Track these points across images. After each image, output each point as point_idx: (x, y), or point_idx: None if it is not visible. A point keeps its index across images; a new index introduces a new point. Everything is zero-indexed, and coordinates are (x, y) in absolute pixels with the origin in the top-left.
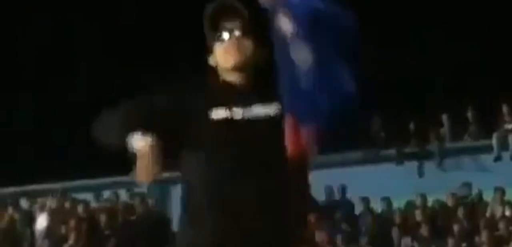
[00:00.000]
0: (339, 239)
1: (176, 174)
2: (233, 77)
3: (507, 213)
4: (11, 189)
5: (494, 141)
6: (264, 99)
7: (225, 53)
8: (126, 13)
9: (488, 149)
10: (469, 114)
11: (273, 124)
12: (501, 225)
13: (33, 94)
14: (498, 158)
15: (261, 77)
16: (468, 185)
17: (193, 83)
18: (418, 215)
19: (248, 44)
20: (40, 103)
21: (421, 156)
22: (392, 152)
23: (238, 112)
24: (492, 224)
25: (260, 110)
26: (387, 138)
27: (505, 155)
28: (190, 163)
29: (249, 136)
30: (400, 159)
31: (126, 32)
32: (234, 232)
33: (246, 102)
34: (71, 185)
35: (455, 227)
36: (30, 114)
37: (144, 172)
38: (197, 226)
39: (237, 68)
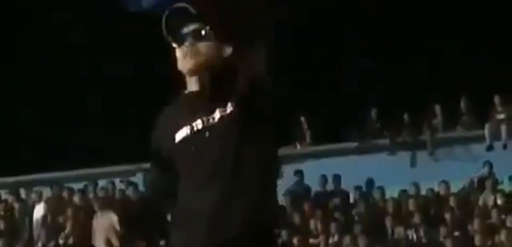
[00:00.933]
0: (333, 227)
1: None
2: (192, 83)
3: (499, 201)
4: (9, 179)
5: (486, 131)
6: (221, 102)
7: (181, 60)
8: None
9: (481, 139)
10: (462, 105)
11: (230, 124)
12: (494, 214)
13: (32, 85)
14: (490, 148)
15: (219, 78)
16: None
17: (164, 111)
18: (411, 204)
19: (202, 48)
20: (38, 96)
21: (414, 146)
22: (385, 142)
23: (198, 124)
24: (484, 213)
25: (218, 115)
26: (380, 128)
27: (497, 145)
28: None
29: (210, 143)
30: (393, 149)
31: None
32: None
33: (206, 110)
34: (68, 174)
35: (448, 216)
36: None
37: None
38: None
39: (193, 72)
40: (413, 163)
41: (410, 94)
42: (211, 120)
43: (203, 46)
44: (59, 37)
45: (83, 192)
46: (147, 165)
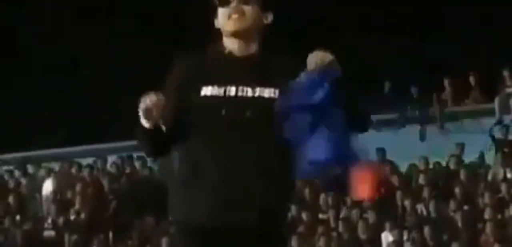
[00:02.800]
0: (342, 202)
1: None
2: (234, 44)
3: (509, 175)
4: (17, 155)
5: (495, 105)
6: (263, 80)
7: (225, 20)
8: None
9: (490, 113)
10: (471, 79)
11: (266, 107)
12: (503, 188)
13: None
14: (499, 122)
15: (265, 52)
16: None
17: (189, 57)
18: (421, 178)
19: (250, 11)
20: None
21: (423, 120)
22: (395, 116)
23: (232, 90)
24: (494, 187)
25: (257, 91)
26: (390, 103)
27: (507, 118)
28: (182, 136)
29: (242, 115)
30: (402, 123)
31: None
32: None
33: (245, 80)
34: (76, 150)
35: (457, 190)
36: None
37: (147, 112)
38: (187, 198)
39: (237, 35)
40: (422, 137)
41: (419, 69)
42: (249, 92)
43: (248, 9)
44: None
45: (92, 167)
46: None
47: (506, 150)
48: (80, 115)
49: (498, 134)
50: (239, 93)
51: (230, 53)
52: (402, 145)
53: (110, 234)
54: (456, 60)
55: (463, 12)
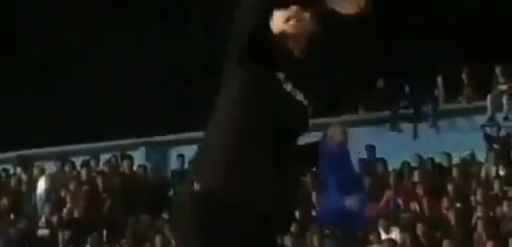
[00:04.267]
0: None
1: (173, 137)
2: (296, 48)
3: (501, 172)
4: (11, 154)
5: (488, 102)
6: (303, 86)
7: (283, 23)
8: None
9: (482, 110)
10: (464, 77)
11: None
12: (496, 185)
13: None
14: (491, 119)
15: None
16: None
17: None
18: (413, 176)
19: (307, 16)
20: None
21: (416, 118)
22: (387, 114)
23: (300, 96)
24: (486, 184)
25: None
26: (383, 100)
27: (499, 116)
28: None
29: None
30: (395, 121)
31: None
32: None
33: (302, 87)
34: (70, 149)
35: (450, 187)
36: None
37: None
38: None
39: (297, 39)
40: (415, 135)
41: (412, 67)
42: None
43: (307, 14)
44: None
45: (86, 165)
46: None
47: (498, 147)
48: (75, 114)
49: (490, 132)
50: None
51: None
52: (395, 142)
53: (104, 233)
54: (449, 58)
55: (456, 9)
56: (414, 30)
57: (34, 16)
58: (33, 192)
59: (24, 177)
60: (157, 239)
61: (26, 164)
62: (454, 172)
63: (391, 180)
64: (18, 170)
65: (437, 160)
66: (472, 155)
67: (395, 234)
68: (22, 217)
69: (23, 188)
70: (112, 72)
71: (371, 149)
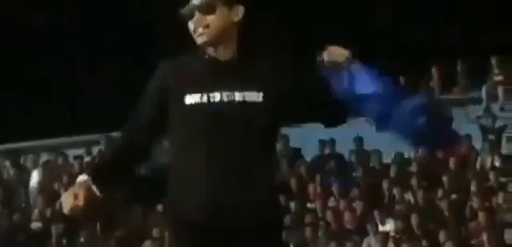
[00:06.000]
0: (330, 192)
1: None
2: (213, 52)
3: (496, 163)
4: (4, 147)
5: (483, 93)
6: (246, 84)
7: (193, 32)
8: None
9: (478, 101)
10: (458, 68)
11: (251, 108)
12: (491, 176)
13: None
14: (487, 110)
15: (249, 53)
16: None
17: (173, 62)
18: (409, 167)
19: (214, 19)
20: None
21: None
22: None
23: (216, 96)
24: (482, 175)
25: (238, 95)
26: None
27: (494, 107)
28: (170, 144)
29: (223, 121)
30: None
31: None
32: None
33: (226, 84)
34: (63, 141)
35: (445, 178)
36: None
37: (65, 202)
38: (179, 203)
39: (208, 45)
40: None
41: (407, 57)
42: (230, 97)
43: (212, 18)
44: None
45: (79, 158)
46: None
47: (493, 138)
48: (69, 107)
49: (485, 122)
50: (224, 99)
51: (212, 58)
52: (390, 133)
53: (98, 225)
54: (443, 48)
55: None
56: (409, 20)
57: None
58: (24, 185)
59: (12, 171)
60: (152, 232)
61: (15, 157)
62: (450, 163)
63: (387, 170)
64: (7, 163)
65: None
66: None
67: (389, 225)
68: (15, 210)
69: (11, 182)
70: (106, 62)
71: (358, 140)
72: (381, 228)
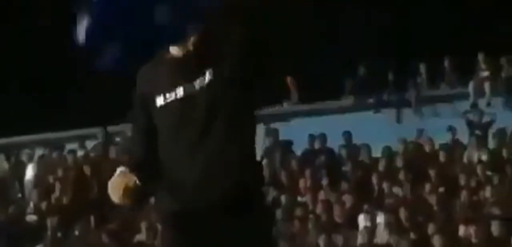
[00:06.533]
0: (320, 186)
1: None
2: (173, 49)
3: (483, 157)
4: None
5: (470, 89)
6: (200, 70)
7: None
8: None
9: (465, 96)
10: (446, 63)
11: (210, 92)
12: (478, 170)
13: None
14: (474, 105)
15: (199, 45)
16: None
17: (144, 70)
18: (397, 161)
19: None
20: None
21: (399, 104)
22: (371, 100)
23: (180, 91)
24: (469, 169)
25: (198, 83)
26: (366, 86)
27: (481, 102)
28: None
29: (190, 111)
30: (378, 107)
31: None
32: (187, 205)
33: (187, 78)
34: (58, 135)
35: (433, 172)
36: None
37: (113, 192)
38: (165, 199)
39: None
40: (398, 120)
41: (395, 53)
42: (191, 88)
43: None
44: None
45: (73, 152)
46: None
47: (479, 133)
48: (63, 100)
49: (472, 118)
50: (187, 91)
51: (172, 56)
52: (378, 128)
53: (92, 219)
54: (431, 44)
55: None
56: (397, 16)
57: None
58: (18, 179)
59: (5, 165)
60: (143, 225)
61: (8, 151)
62: (438, 157)
63: (376, 164)
64: (2, 157)
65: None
66: (455, 141)
67: (379, 219)
68: (10, 203)
69: (6, 176)
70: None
71: (347, 134)
72: (368, 221)
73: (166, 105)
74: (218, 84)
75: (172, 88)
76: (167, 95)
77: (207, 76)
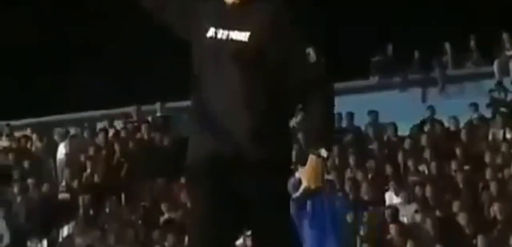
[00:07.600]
0: (347, 163)
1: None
2: None
3: (508, 135)
4: (33, 120)
5: (495, 67)
6: (242, 25)
7: None
8: None
9: (490, 75)
10: (471, 43)
11: (243, 50)
12: (503, 148)
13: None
14: (499, 83)
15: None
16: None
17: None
18: (423, 139)
19: None
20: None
21: (425, 83)
22: (397, 79)
23: (221, 33)
24: (494, 147)
25: (235, 35)
26: (393, 66)
27: (506, 81)
28: (192, 75)
29: (225, 56)
30: (404, 86)
31: None
32: (217, 140)
33: (228, 24)
34: (88, 115)
35: (458, 150)
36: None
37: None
38: (197, 135)
39: None
40: (424, 99)
41: (421, 32)
42: (229, 36)
43: None
44: None
45: (104, 131)
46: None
47: (505, 110)
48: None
49: (497, 96)
50: (219, 36)
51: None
52: (404, 106)
53: (123, 196)
54: (456, 24)
55: None
56: None
57: None
58: (51, 157)
59: (39, 144)
60: (175, 202)
61: (42, 130)
62: (462, 135)
63: (402, 142)
64: (34, 136)
65: (445, 124)
66: (481, 119)
67: (405, 196)
68: (43, 181)
69: (40, 154)
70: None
71: (373, 114)
72: (395, 198)
73: (210, 40)
74: (246, 43)
75: (217, 26)
76: (214, 30)
77: (240, 33)
